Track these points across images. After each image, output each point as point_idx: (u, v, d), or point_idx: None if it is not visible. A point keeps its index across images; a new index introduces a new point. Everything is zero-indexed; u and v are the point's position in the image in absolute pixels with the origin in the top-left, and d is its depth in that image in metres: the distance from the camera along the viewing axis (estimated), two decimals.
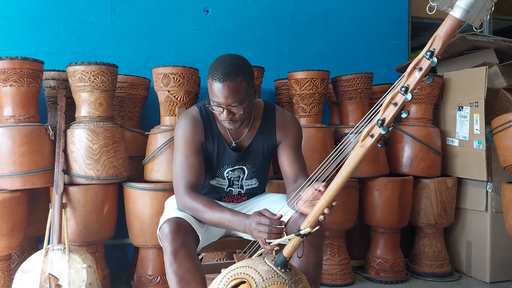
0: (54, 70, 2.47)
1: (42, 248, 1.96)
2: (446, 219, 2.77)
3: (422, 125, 2.78)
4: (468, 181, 2.80)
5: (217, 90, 1.53)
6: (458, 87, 2.82)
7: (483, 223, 2.70)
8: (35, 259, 1.93)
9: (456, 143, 2.82)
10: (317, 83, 2.56)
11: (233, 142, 1.73)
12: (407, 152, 2.75)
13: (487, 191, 2.66)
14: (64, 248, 1.96)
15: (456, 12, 0.96)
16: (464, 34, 2.89)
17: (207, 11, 3.03)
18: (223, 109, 1.56)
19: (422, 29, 3.97)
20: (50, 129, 2.23)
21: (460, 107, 2.78)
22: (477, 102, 2.66)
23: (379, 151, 2.67)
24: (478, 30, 0.96)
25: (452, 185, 2.77)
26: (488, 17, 0.98)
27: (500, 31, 4.52)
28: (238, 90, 1.54)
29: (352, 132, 1.25)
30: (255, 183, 1.84)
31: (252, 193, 1.87)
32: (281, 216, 1.42)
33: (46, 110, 2.54)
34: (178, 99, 2.37)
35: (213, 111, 1.62)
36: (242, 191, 1.83)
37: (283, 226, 1.41)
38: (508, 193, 2.40)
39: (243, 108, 1.57)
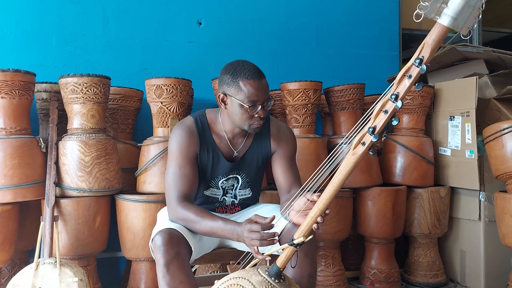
0: (46, 82, 2.46)
1: (33, 262, 1.93)
2: (440, 229, 2.77)
3: (415, 135, 2.80)
4: (461, 191, 2.81)
5: (256, 87, 1.57)
6: (449, 97, 2.84)
7: (477, 232, 2.70)
8: (26, 273, 1.90)
9: (448, 152, 2.84)
10: (310, 94, 2.57)
11: (235, 152, 1.74)
12: (400, 162, 2.76)
13: (480, 200, 2.67)
14: (55, 261, 1.93)
15: (444, 20, 0.97)
16: (454, 45, 2.93)
17: (200, 24, 3.05)
18: (261, 107, 1.59)
19: (412, 41, 4.02)
20: (41, 141, 2.21)
21: (452, 117, 2.80)
22: (468, 111, 2.68)
23: (372, 161, 2.68)
24: (466, 38, 0.97)
25: (445, 194, 2.77)
26: (476, 25, 1.00)
27: (490, 43, 4.58)
28: (268, 86, 1.64)
29: (344, 141, 1.26)
30: (249, 193, 1.83)
31: (245, 204, 1.87)
32: (273, 218, 1.41)
33: (38, 123, 2.53)
34: (171, 110, 2.37)
35: (249, 114, 1.60)
36: (236, 201, 1.82)
37: (276, 231, 1.41)
38: (501, 202, 2.41)
39: (270, 105, 1.65)
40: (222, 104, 1.66)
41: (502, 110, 2.75)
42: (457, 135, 2.77)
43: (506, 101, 2.76)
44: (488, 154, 2.50)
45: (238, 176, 1.78)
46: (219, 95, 1.66)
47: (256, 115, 1.60)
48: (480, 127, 2.68)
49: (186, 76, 2.48)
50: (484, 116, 2.81)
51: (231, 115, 1.65)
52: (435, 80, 3.14)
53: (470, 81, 2.68)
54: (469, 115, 2.68)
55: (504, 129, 2.38)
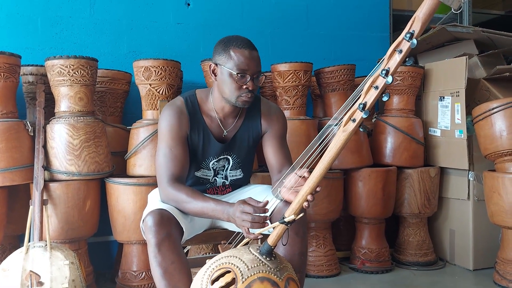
0: (32, 65, 2.42)
1: (23, 246, 1.92)
2: (430, 209, 2.80)
3: (405, 116, 2.81)
4: (450, 171, 2.83)
5: (246, 56, 1.57)
6: (439, 77, 2.85)
7: (466, 211, 2.74)
8: (16, 256, 1.89)
9: (438, 133, 2.85)
10: (300, 75, 2.56)
11: (225, 131, 1.73)
12: (390, 142, 2.77)
13: (469, 180, 2.70)
14: (46, 245, 1.92)
15: None
16: (444, 26, 2.92)
17: (188, 5, 3.00)
18: (250, 78, 1.58)
19: (403, 22, 3.98)
20: (29, 125, 2.18)
21: (442, 97, 2.81)
22: (458, 91, 2.69)
23: (362, 142, 2.68)
24: (457, 12, 0.96)
25: (435, 174, 2.80)
26: (466, 7, 0.99)
27: (479, 25, 4.57)
28: (259, 60, 1.62)
29: (335, 118, 1.25)
30: (240, 174, 1.83)
31: (236, 185, 1.86)
32: (266, 203, 1.41)
33: (25, 107, 2.49)
34: (160, 92, 2.34)
35: (237, 83, 1.58)
36: (227, 182, 1.82)
37: (267, 215, 1.40)
38: (489, 181, 2.44)
39: (260, 80, 1.63)
40: (213, 75, 1.65)
41: (492, 90, 2.76)
42: (446, 116, 2.78)
43: (496, 81, 2.78)
44: (477, 133, 2.52)
45: (229, 157, 1.77)
46: (210, 65, 1.65)
47: (244, 86, 1.59)
48: (469, 107, 2.69)
49: (175, 58, 2.45)
50: (474, 96, 2.83)
51: (220, 86, 1.64)
52: (426, 60, 3.14)
53: (460, 61, 2.69)
54: (458, 95, 2.69)
55: (493, 109, 2.40)
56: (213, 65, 1.65)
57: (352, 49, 3.37)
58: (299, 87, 2.58)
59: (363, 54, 3.37)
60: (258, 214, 1.39)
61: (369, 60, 3.34)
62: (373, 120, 2.95)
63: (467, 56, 2.68)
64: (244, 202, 1.42)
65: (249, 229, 1.41)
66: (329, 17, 3.33)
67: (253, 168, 2.35)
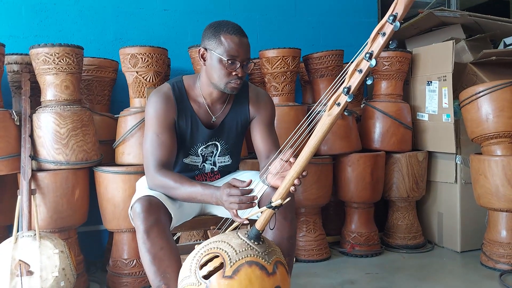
0: (16, 54, 2.38)
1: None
2: (418, 192, 2.83)
3: (393, 101, 2.82)
4: (438, 154, 2.86)
5: (237, 43, 1.56)
6: (427, 62, 2.86)
7: (453, 194, 2.77)
8: (5, 246, 1.88)
9: (425, 117, 2.87)
10: (289, 61, 2.55)
11: (213, 117, 1.72)
12: (378, 127, 2.79)
13: (456, 163, 2.73)
14: (35, 234, 1.92)
15: None
16: (431, 10, 2.93)
17: None
18: (240, 65, 1.57)
19: None
20: (15, 114, 2.16)
21: (429, 82, 2.82)
22: (445, 76, 2.70)
23: (351, 127, 2.70)
24: None
25: (423, 158, 2.82)
26: None
27: (467, 10, 4.58)
28: (249, 46, 1.61)
29: (321, 102, 1.26)
30: (228, 160, 1.83)
31: (225, 171, 1.86)
32: (251, 182, 1.41)
33: (11, 96, 2.46)
34: (147, 80, 2.32)
35: (227, 69, 1.57)
36: (215, 168, 1.82)
37: (254, 194, 1.41)
38: (476, 164, 2.47)
39: (249, 67, 1.61)
40: (202, 60, 1.64)
41: (478, 74, 2.78)
42: (434, 100, 2.80)
43: (482, 65, 2.79)
44: (464, 117, 2.54)
45: (217, 143, 1.77)
46: (199, 50, 1.63)
47: (234, 73, 1.58)
48: (457, 91, 2.71)
49: (163, 45, 2.43)
50: (461, 80, 2.84)
51: (209, 71, 1.62)
52: (413, 45, 3.15)
53: (447, 45, 2.70)
54: (446, 80, 2.70)
55: (479, 92, 2.42)
56: (202, 49, 1.63)
57: (341, 35, 3.37)
58: (288, 73, 2.58)
59: (352, 40, 3.37)
60: (245, 195, 1.39)
61: (357, 46, 3.27)
62: (361, 106, 2.96)
63: (454, 41, 2.69)
64: (229, 185, 1.43)
65: (238, 211, 1.41)
66: (317, 3, 3.32)
67: (242, 154, 2.35)
